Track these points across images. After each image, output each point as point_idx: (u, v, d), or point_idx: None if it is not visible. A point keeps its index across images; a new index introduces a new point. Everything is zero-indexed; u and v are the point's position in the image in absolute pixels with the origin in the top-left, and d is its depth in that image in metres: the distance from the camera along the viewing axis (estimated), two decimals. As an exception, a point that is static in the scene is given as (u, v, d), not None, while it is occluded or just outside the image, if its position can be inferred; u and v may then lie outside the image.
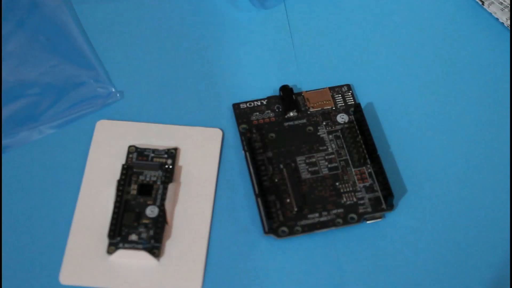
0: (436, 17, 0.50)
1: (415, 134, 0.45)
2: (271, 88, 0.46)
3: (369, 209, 0.42)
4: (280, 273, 0.40)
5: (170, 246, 0.40)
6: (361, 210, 0.42)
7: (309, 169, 0.43)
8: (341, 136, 0.44)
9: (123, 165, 0.42)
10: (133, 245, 0.40)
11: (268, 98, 0.46)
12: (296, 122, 0.45)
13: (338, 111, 0.45)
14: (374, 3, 0.51)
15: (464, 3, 0.51)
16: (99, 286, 0.39)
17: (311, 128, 0.45)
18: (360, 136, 0.44)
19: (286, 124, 0.45)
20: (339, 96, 0.46)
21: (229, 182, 0.43)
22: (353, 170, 0.43)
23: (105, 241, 0.40)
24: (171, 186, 0.42)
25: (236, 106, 0.45)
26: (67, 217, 0.41)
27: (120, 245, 0.40)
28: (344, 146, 0.44)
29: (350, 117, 0.45)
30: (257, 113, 0.45)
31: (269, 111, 0.45)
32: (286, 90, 0.46)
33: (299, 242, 0.41)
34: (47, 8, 0.49)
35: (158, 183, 0.42)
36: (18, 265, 0.40)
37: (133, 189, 0.42)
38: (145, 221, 0.41)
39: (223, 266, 0.40)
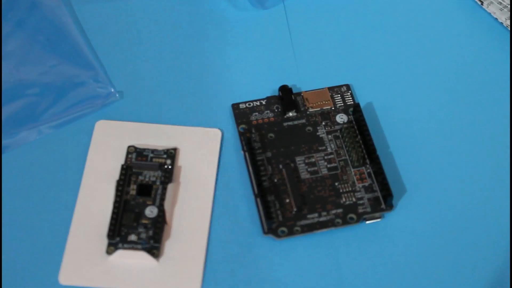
0: (435, 17, 0.50)
1: (415, 134, 0.45)
2: (270, 88, 0.47)
3: (369, 209, 0.42)
4: (280, 273, 0.40)
5: (170, 246, 0.40)
6: (360, 210, 0.42)
7: (309, 169, 0.43)
8: (340, 136, 0.44)
9: (122, 165, 0.42)
10: (133, 245, 0.40)
11: (267, 98, 0.46)
12: (295, 122, 0.45)
13: (337, 111, 0.45)
14: (373, 3, 0.51)
15: (463, 3, 0.51)
16: (98, 286, 0.39)
17: (310, 128, 0.45)
18: (360, 136, 0.44)
19: (285, 124, 0.45)
20: (338, 96, 0.46)
21: (229, 182, 0.43)
22: (352, 170, 0.43)
23: (105, 241, 0.40)
24: (170, 186, 0.42)
25: (235, 106, 0.45)
26: (67, 217, 0.41)
27: (120, 245, 0.40)
28: (343, 146, 0.44)
29: (349, 117, 0.45)
30: (256, 113, 0.45)
31: (268, 111, 0.45)
32: (285, 90, 0.46)
33: (298, 242, 0.41)
34: (47, 8, 0.49)
35: (158, 183, 0.42)
36: (18, 265, 0.40)
37: (133, 189, 0.42)
38: (144, 221, 0.41)
39: (222, 266, 0.40)
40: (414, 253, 0.41)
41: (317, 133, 0.44)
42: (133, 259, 0.40)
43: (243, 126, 0.45)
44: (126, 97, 0.46)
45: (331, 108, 0.46)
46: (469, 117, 0.46)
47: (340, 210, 0.42)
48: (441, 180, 0.43)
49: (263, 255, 0.41)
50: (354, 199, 0.42)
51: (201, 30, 0.49)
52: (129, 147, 0.43)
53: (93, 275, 0.39)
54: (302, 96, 0.46)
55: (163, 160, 0.43)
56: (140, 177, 0.42)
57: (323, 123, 0.45)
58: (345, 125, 0.45)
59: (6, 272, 0.40)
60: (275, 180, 0.43)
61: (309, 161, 0.43)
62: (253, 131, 0.44)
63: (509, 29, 0.50)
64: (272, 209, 0.41)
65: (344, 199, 0.42)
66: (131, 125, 0.45)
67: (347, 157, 0.43)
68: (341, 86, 0.46)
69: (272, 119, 0.45)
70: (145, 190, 0.42)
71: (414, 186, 0.43)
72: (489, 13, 0.50)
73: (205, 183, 0.43)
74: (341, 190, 0.42)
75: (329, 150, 0.44)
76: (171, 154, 0.43)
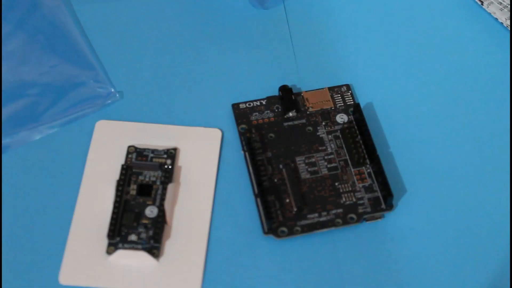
0: (435, 17, 0.50)
1: (415, 134, 0.45)
2: (271, 88, 0.46)
3: (369, 209, 0.42)
4: (280, 273, 0.40)
5: (170, 246, 0.40)
6: (360, 210, 0.42)
7: (309, 169, 0.43)
8: (340, 136, 0.44)
9: (122, 165, 0.42)
10: (133, 245, 0.40)
11: (268, 98, 0.46)
12: (295, 122, 0.45)
13: (337, 111, 0.45)
14: (373, 3, 0.51)
15: (463, 3, 0.51)
16: (98, 286, 0.39)
17: (310, 128, 0.45)
18: (360, 136, 0.44)
19: (285, 124, 0.45)
20: (338, 96, 0.46)
21: (229, 182, 0.43)
22: (352, 170, 0.43)
23: (105, 241, 0.40)
24: (170, 186, 0.42)
25: (235, 106, 0.45)
26: (67, 217, 0.41)
27: (120, 245, 0.40)
28: (344, 146, 0.44)
29: (350, 117, 0.45)
30: (257, 113, 0.45)
31: (269, 111, 0.45)
32: (285, 90, 0.46)
33: (298, 242, 0.41)
34: (47, 8, 0.49)
35: (158, 183, 0.42)
36: (18, 265, 0.40)
37: (133, 189, 0.42)
38: (144, 221, 0.41)
39: (222, 266, 0.40)
40: (414, 253, 0.41)
41: (317, 133, 0.44)
42: (133, 259, 0.40)
43: (243, 126, 0.45)
44: (126, 97, 0.46)
45: (331, 108, 0.46)
46: (469, 117, 0.46)
47: (340, 210, 0.42)
48: (441, 180, 0.43)
49: (263, 255, 0.41)
50: (354, 199, 0.42)
51: (201, 30, 0.49)
52: (129, 147, 0.43)
53: (93, 275, 0.39)
54: (302, 96, 0.46)
55: (163, 160, 0.43)
56: (140, 177, 0.42)
57: (323, 123, 0.45)
58: (345, 125, 0.45)
59: (6, 272, 0.40)
60: (275, 180, 0.43)
61: (309, 161, 0.43)
62: (253, 131, 0.44)
63: (509, 29, 0.50)
64: (272, 209, 0.41)
65: (344, 199, 0.42)
66: (131, 125, 0.45)
67: (347, 157, 0.43)
68: (341, 86, 0.46)
69: (272, 119, 0.45)
70: (145, 190, 0.42)
71: (414, 186, 0.43)
72: (489, 13, 0.50)
73: (205, 183, 0.43)
74: (341, 190, 0.42)
75: (329, 150, 0.44)
76: (171, 154, 0.43)
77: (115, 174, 0.42)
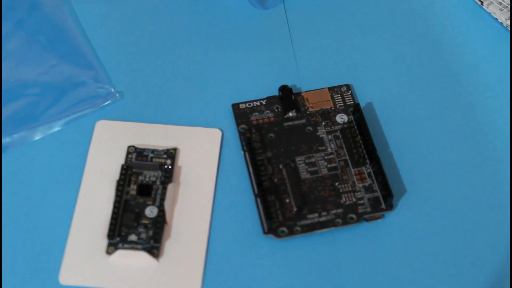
0: (435, 17, 0.50)
1: (415, 134, 0.45)
2: (271, 88, 0.46)
3: (369, 209, 0.42)
4: (280, 273, 0.40)
5: (170, 246, 0.40)
6: (360, 210, 0.42)
7: (309, 169, 0.43)
8: (340, 136, 0.44)
9: (122, 165, 0.42)
10: (133, 245, 0.40)
11: (268, 98, 0.46)
12: (295, 122, 0.45)
13: (337, 111, 0.45)
14: (373, 3, 0.51)
15: (463, 3, 0.51)
16: (98, 286, 0.39)
17: (310, 128, 0.45)
18: (360, 136, 0.44)
19: (285, 124, 0.45)
20: (338, 96, 0.46)
21: (229, 182, 0.43)
22: (352, 170, 0.43)
23: (105, 241, 0.40)
24: (170, 186, 0.42)
25: (235, 106, 0.45)
26: (67, 217, 0.41)
27: (120, 245, 0.40)
28: (344, 146, 0.44)
29: (350, 117, 0.45)
30: (257, 113, 0.45)
31: (269, 111, 0.45)
32: (285, 90, 0.46)
33: (298, 242, 0.41)
34: (47, 8, 0.49)
35: (158, 183, 0.42)
36: (18, 265, 0.40)
37: (133, 189, 0.42)
38: (144, 221, 0.41)
39: (222, 266, 0.40)
40: (414, 253, 0.41)
41: (317, 133, 0.44)
42: (133, 259, 0.40)
43: (243, 126, 0.45)
44: (126, 97, 0.46)
45: (331, 108, 0.46)
46: (469, 117, 0.46)
47: (340, 210, 0.42)
48: (441, 180, 0.43)
49: (263, 255, 0.41)
50: (354, 199, 0.42)
51: (201, 30, 0.49)
52: (129, 147, 0.43)
53: (93, 275, 0.39)
54: (302, 96, 0.46)
55: (163, 160, 0.43)
56: (140, 177, 0.42)
57: (323, 123, 0.45)
58: (345, 125, 0.45)
59: (6, 272, 0.40)
60: (275, 180, 0.43)
61: (309, 161, 0.43)
62: (253, 131, 0.44)
63: (509, 29, 0.50)
64: (272, 209, 0.41)
65: (344, 199, 0.42)
66: (131, 125, 0.45)
67: (347, 157, 0.43)
68: (341, 86, 0.46)
69: (272, 119, 0.45)
70: (145, 190, 0.42)
71: (414, 186, 0.43)
72: (489, 13, 0.50)
73: (205, 183, 0.43)
74: (341, 190, 0.42)
75: (329, 150, 0.44)
76: (171, 154, 0.43)
77: (115, 174, 0.42)
